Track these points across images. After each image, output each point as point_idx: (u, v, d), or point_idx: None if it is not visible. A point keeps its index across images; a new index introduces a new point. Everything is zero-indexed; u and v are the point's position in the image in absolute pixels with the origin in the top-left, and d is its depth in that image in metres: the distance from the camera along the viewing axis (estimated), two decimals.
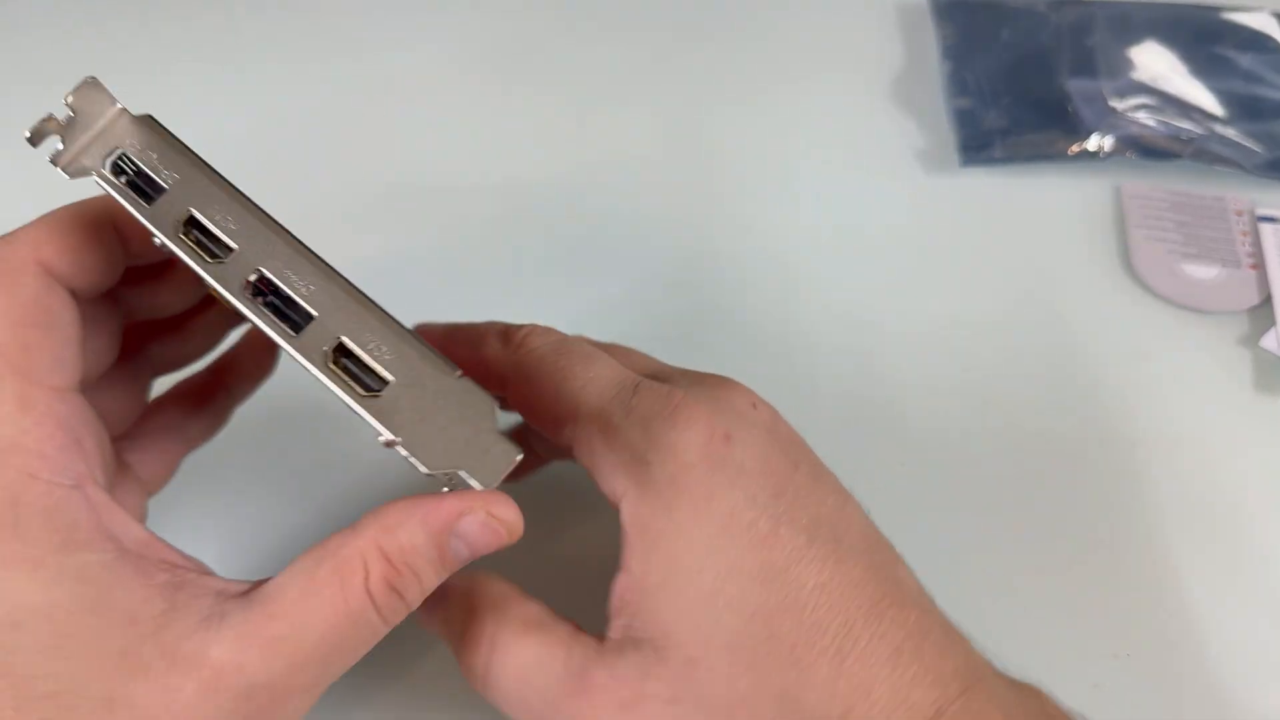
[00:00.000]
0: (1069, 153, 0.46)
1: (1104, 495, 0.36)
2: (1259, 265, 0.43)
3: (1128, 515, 0.36)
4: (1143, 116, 0.47)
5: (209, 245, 0.22)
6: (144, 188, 0.22)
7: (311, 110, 0.48)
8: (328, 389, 0.22)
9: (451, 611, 0.26)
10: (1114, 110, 0.47)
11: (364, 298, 0.22)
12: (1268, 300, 0.42)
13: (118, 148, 0.22)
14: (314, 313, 0.22)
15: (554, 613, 0.26)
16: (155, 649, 0.20)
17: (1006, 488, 0.36)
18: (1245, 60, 0.50)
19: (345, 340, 0.22)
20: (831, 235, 0.44)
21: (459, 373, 0.22)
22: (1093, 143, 0.46)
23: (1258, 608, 0.34)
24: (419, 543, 0.22)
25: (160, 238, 0.22)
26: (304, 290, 0.22)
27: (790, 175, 0.46)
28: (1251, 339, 0.41)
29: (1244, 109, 0.48)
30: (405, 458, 0.22)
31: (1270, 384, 0.39)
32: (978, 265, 0.43)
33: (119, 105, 0.22)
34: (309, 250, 0.23)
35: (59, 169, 0.22)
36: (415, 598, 0.23)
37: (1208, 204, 0.45)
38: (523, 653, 0.24)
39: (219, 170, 0.23)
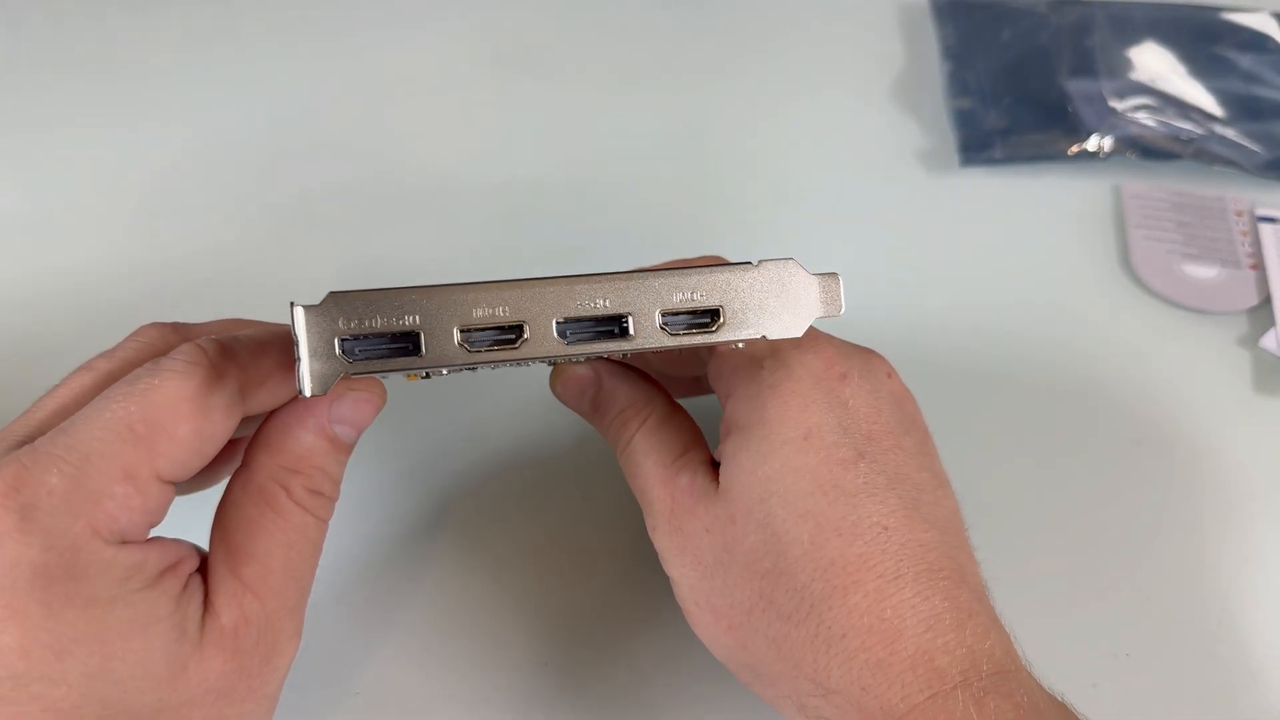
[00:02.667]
0: (1069, 153, 0.46)
1: (1104, 495, 0.36)
2: (1259, 265, 0.43)
3: (1128, 515, 0.36)
4: (1143, 117, 0.47)
5: (502, 338, 0.23)
6: (402, 345, 0.23)
7: (312, 110, 0.48)
8: (689, 346, 0.24)
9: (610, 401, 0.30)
10: (1114, 110, 0.47)
11: (624, 274, 0.24)
12: (1267, 300, 0.42)
13: (334, 337, 0.22)
14: (624, 311, 0.23)
15: (689, 426, 0.29)
16: (186, 646, 0.23)
17: (1005, 488, 0.36)
18: (1245, 60, 0.50)
19: (660, 309, 0.24)
20: (832, 235, 0.44)
21: (756, 260, 0.24)
22: (1093, 143, 0.46)
23: (1258, 607, 0.34)
24: (310, 444, 0.25)
25: (452, 368, 0.23)
26: (599, 303, 0.23)
27: (791, 175, 0.46)
28: (1251, 339, 0.41)
29: (1244, 109, 0.48)
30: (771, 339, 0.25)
31: (1270, 384, 0.40)
32: (977, 265, 0.43)
33: (300, 306, 0.22)
34: (544, 278, 0.23)
35: (314, 394, 0.22)
36: (332, 489, 0.26)
37: (1207, 204, 0.45)
38: (650, 437, 0.28)
39: (427, 283, 0.23)
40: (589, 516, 0.35)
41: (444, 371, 0.27)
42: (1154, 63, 0.50)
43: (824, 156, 0.47)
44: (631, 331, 0.23)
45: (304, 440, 0.25)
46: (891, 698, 0.23)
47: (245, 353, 0.25)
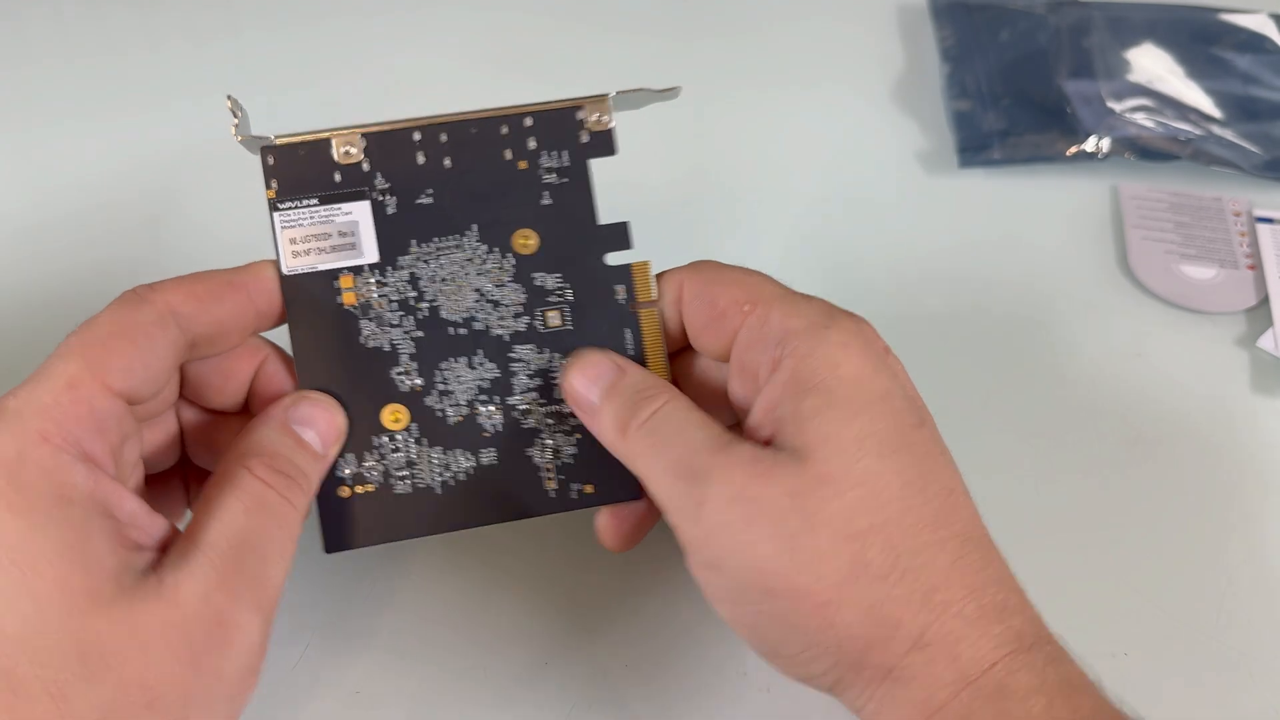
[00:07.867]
0: (1067, 154, 0.46)
1: (1103, 495, 0.37)
2: (1256, 266, 0.43)
3: (1126, 515, 0.36)
4: (1141, 118, 0.47)
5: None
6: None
7: (311, 111, 0.48)
8: None
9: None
10: (1112, 111, 0.48)
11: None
12: (1265, 301, 0.42)
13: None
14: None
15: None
16: (116, 588, 0.23)
17: (1004, 488, 0.36)
18: (1243, 61, 0.50)
19: None
20: (831, 236, 0.44)
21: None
22: (1091, 144, 0.46)
23: (1258, 606, 0.34)
24: (272, 434, 0.27)
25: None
26: None
27: (790, 176, 0.46)
28: (1249, 339, 0.41)
29: (1242, 110, 0.48)
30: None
31: (1268, 384, 0.40)
32: (976, 266, 0.43)
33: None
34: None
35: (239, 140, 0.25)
36: (300, 475, 0.26)
37: (1205, 205, 0.45)
38: (689, 412, 0.27)
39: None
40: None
41: (378, 282, 0.29)
42: (1152, 64, 0.50)
43: (823, 157, 0.47)
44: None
45: (266, 434, 0.27)
46: (984, 648, 0.24)
47: (180, 279, 0.27)
